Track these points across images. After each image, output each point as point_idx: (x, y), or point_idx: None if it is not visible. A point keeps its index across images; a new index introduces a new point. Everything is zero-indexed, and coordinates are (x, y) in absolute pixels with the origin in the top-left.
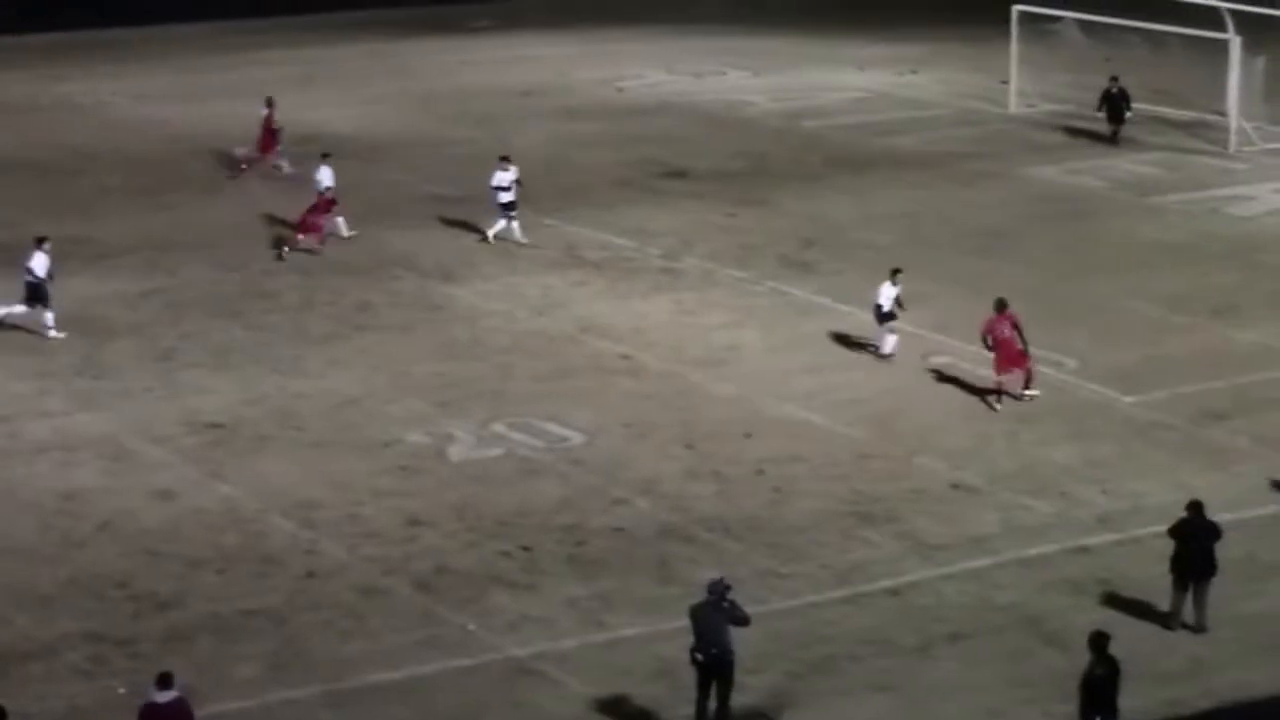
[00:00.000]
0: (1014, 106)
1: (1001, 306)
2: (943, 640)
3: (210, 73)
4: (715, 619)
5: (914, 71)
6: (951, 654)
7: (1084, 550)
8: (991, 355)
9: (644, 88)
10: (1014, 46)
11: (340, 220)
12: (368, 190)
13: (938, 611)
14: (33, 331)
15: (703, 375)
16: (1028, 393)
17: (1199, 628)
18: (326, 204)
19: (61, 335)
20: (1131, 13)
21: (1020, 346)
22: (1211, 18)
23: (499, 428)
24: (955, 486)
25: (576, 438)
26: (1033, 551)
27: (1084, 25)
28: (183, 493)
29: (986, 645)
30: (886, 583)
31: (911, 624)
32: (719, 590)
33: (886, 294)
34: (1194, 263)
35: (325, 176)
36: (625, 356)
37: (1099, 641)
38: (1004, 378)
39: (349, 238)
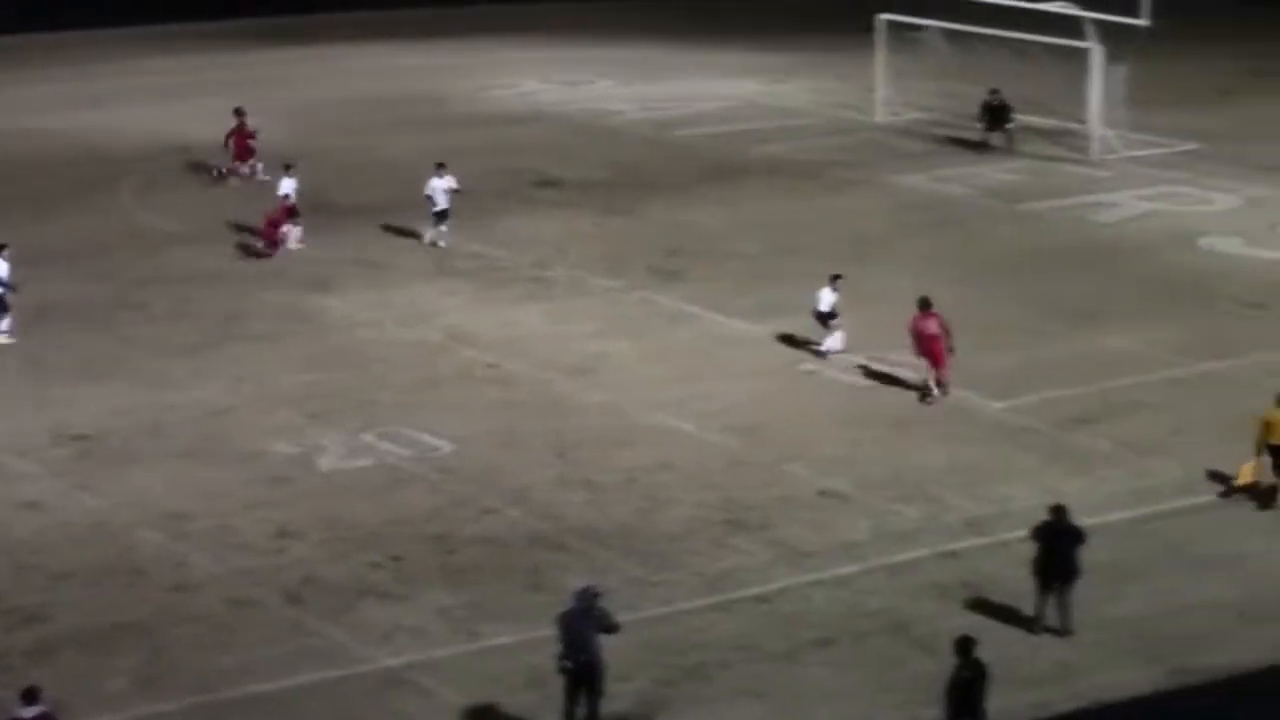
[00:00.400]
0: (881, 115)
1: (925, 305)
2: (812, 646)
3: (77, 82)
4: (584, 627)
5: (781, 81)
6: (821, 660)
7: (952, 555)
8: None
9: (515, 97)
10: (880, 55)
11: (296, 230)
12: (236, 200)
13: (807, 618)
14: None
15: (573, 384)
16: (935, 393)
17: (1064, 631)
18: (286, 211)
19: (12, 341)
20: (995, 21)
21: (946, 346)
22: (1073, 26)
23: (369, 438)
24: (824, 493)
25: (446, 447)
26: (901, 557)
27: (948, 34)
28: (50, 505)
29: (855, 651)
30: (756, 589)
31: (781, 630)
32: (587, 598)
33: (826, 299)
34: (1059, 269)
35: (286, 186)
36: (494, 365)
37: (965, 645)
38: (942, 372)
39: (297, 249)
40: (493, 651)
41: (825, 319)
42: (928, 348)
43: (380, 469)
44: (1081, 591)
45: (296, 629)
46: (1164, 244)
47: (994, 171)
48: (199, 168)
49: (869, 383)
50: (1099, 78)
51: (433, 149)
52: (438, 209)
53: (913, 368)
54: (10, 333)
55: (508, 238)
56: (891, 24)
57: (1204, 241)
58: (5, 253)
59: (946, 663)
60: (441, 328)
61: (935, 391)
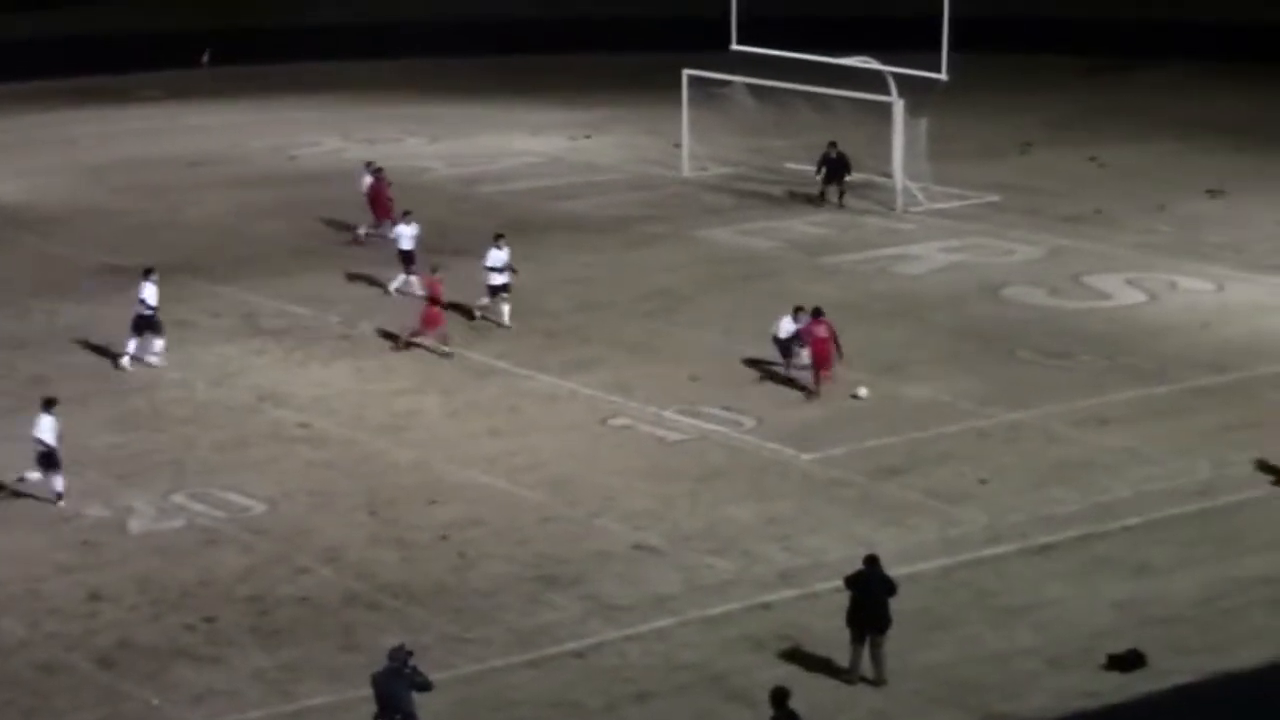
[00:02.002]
0: (687, 170)
1: (818, 313)
2: (629, 700)
3: None
4: (397, 686)
5: (588, 136)
6: (638, 714)
7: (766, 607)
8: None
9: (319, 155)
10: (685, 110)
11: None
12: (39, 262)
13: (623, 672)
14: None
15: (384, 442)
16: (813, 390)
17: (878, 680)
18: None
19: (164, 364)
20: (799, 76)
21: (835, 350)
22: (875, 81)
23: (180, 499)
24: (637, 547)
25: (258, 507)
26: (715, 610)
27: (753, 89)
28: None
29: (672, 704)
30: (571, 645)
31: (597, 685)
32: (400, 657)
33: (785, 328)
34: (864, 321)
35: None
36: (305, 425)
37: (779, 697)
38: (825, 374)
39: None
40: (308, 713)
41: (785, 346)
42: (816, 350)
43: (192, 530)
44: (894, 641)
45: (109, 693)
46: (968, 295)
47: (799, 225)
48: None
49: (679, 436)
50: (901, 131)
51: (236, 207)
52: (494, 283)
53: (724, 421)
54: (162, 355)
55: (314, 296)
56: (697, 80)
57: (1007, 292)
58: (153, 276)
59: (763, 714)
60: (251, 387)
61: (814, 391)
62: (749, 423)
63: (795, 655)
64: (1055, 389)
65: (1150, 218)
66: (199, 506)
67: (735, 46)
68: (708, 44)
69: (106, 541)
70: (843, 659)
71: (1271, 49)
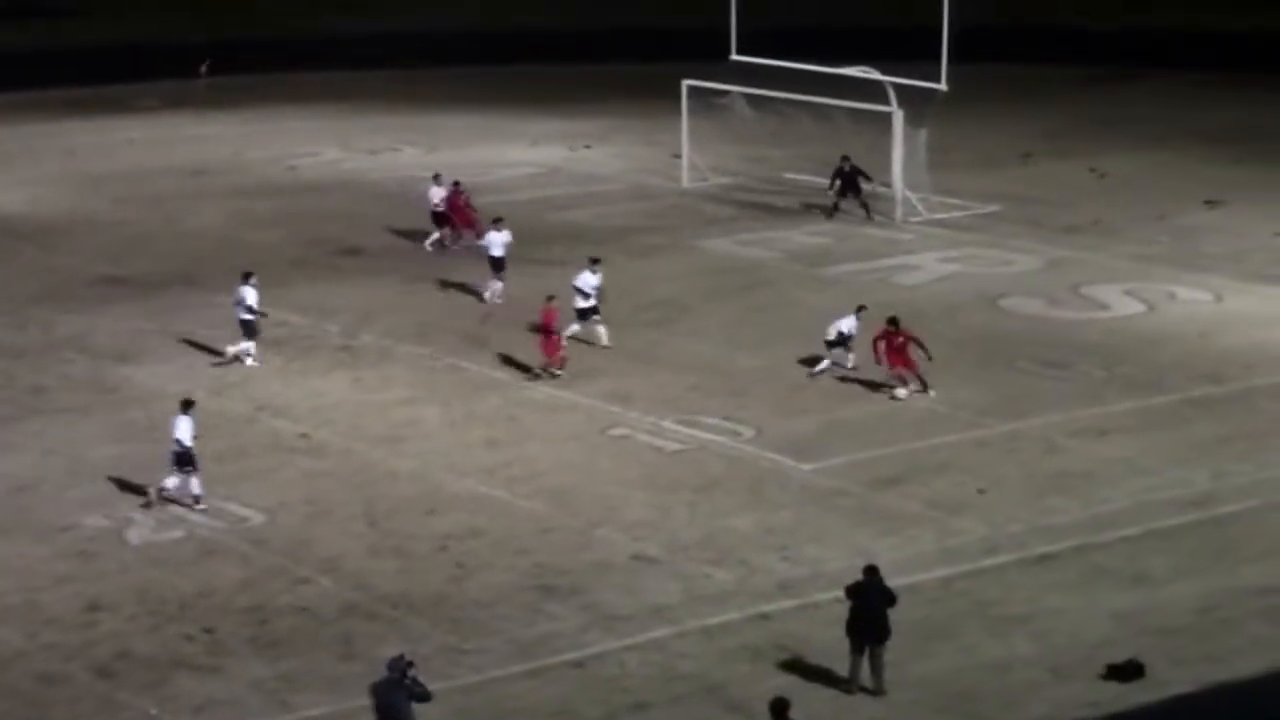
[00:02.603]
0: (686, 180)
1: (893, 323)
2: (627, 711)
3: None
4: (397, 696)
5: (588, 146)
6: None
7: (764, 617)
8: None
9: (318, 165)
10: (685, 121)
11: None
12: (38, 272)
13: (622, 682)
14: None
15: (383, 452)
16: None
17: (877, 690)
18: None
19: (259, 364)
20: (798, 86)
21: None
22: (875, 91)
23: (178, 509)
24: (636, 557)
25: (257, 518)
26: (714, 620)
27: (752, 99)
28: None
29: (671, 714)
30: (570, 655)
31: (596, 695)
32: (399, 667)
33: (848, 324)
34: (862, 331)
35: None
36: (304, 435)
37: (779, 707)
38: (899, 372)
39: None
40: None
41: (842, 342)
42: (893, 359)
43: (191, 541)
44: (893, 651)
45: (108, 704)
46: (967, 305)
47: (798, 235)
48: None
49: (678, 446)
50: (900, 141)
51: (235, 217)
52: (581, 307)
53: (716, 430)
54: (258, 358)
55: (313, 306)
56: (696, 90)
57: (1006, 303)
58: (253, 280)
59: None
60: (249, 397)
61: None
62: (748, 433)
63: (794, 665)
64: (1054, 399)
65: (1149, 228)
66: (198, 517)
67: (735, 57)
68: (707, 54)
69: (105, 552)
70: (842, 669)
71: (1270, 59)
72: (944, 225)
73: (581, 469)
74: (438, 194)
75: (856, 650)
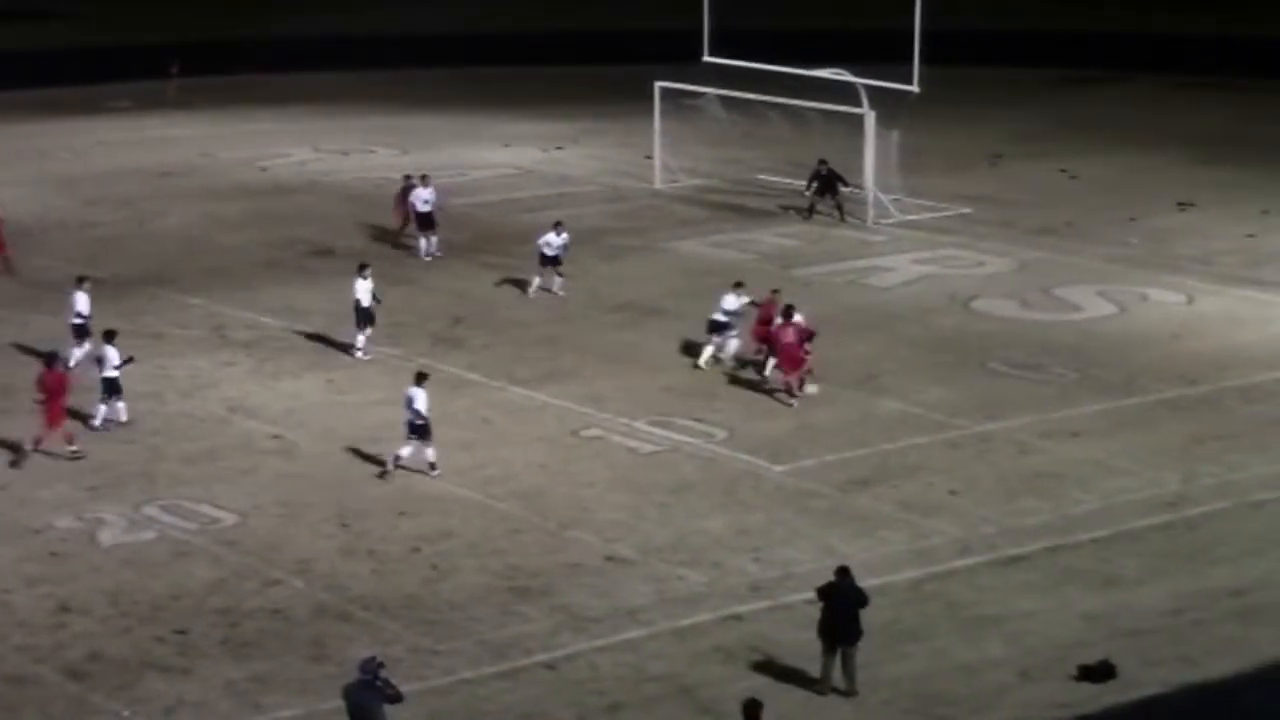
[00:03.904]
0: (659, 182)
1: (789, 313)
2: (599, 712)
3: None
4: (368, 698)
5: (560, 148)
6: None
7: (736, 618)
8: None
9: (289, 167)
10: (658, 122)
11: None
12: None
13: (594, 684)
14: None
15: (356, 454)
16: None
17: (849, 692)
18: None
19: (368, 356)
20: (771, 88)
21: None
22: (847, 93)
23: (151, 511)
24: (609, 559)
25: (229, 519)
26: (686, 621)
27: (725, 101)
28: None
29: (643, 716)
30: (542, 656)
31: (568, 697)
32: (371, 669)
33: (730, 302)
34: (836, 333)
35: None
36: (276, 436)
37: (751, 709)
38: (790, 378)
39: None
40: None
41: (721, 327)
42: (784, 353)
43: (163, 542)
44: (865, 652)
45: (79, 706)
46: (939, 307)
47: (770, 237)
48: None
49: (651, 447)
50: (873, 143)
51: (206, 219)
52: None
53: (693, 432)
54: (366, 349)
55: (285, 308)
56: (669, 92)
57: (978, 304)
58: (366, 271)
59: None
60: (222, 399)
61: (796, 393)
62: (720, 434)
63: (766, 667)
64: (1026, 401)
65: (1121, 230)
66: (170, 518)
67: (707, 58)
68: (680, 56)
69: (76, 553)
70: (814, 670)
71: (1240, 62)
72: (916, 227)
73: (554, 470)
74: (424, 195)
75: (828, 651)
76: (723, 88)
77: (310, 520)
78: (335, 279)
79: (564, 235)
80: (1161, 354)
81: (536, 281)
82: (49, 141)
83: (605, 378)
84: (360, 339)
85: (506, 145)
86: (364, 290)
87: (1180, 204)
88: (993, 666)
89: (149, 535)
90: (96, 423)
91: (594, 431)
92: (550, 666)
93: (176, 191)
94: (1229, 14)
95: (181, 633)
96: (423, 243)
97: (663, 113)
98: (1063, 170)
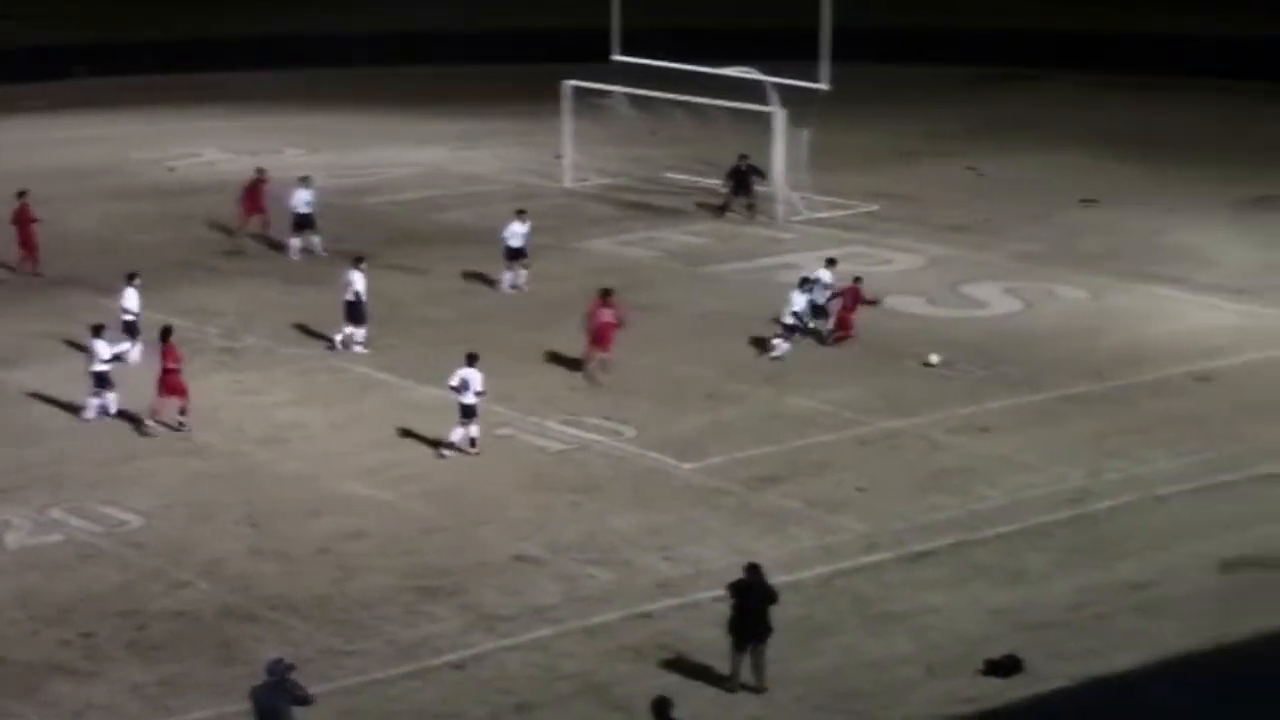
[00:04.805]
0: (569, 180)
1: (607, 294)
2: (510, 711)
3: None
4: (277, 700)
5: (470, 147)
6: None
7: (646, 616)
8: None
9: (199, 166)
10: (567, 121)
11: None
12: None
13: (504, 683)
14: None
15: (266, 454)
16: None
17: (759, 689)
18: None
19: (367, 350)
20: (680, 87)
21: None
22: (757, 91)
23: (57, 513)
24: (518, 558)
25: (136, 521)
26: (596, 620)
27: (634, 100)
28: None
29: (554, 715)
30: (452, 656)
31: (478, 696)
32: (279, 671)
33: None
34: (746, 331)
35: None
36: (186, 437)
37: (661, 706)
38: (597, 356)
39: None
40: None
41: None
42: (598, 332)
43: (69, 545)
44: (775, 649)
45: None
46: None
47: (679, 235)
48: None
49: (560, 446)
50: (782, 141)
51: (116, 219)
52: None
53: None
54: (365, 344)
55: (195, 308)
56: (578, 90)
57: (887, 301)
58: (362, 265)
59: None
60: (131, 400)
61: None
62: (630, 432)
63: (676, 664)
64: (934, 397)
65: (1028, 227)
66: (77, 521)
67: (616, 57)
68: (589, 55)
69: None
70: (724, 667)
71: (1148, 60)
72: (826, 224)
73: (464, 469)
74: (305, 197)
75: (738, 648)
76: (632, 86)
77: (220, 521)
78: (245, 279)
79: (528, 224)
80: (1068, 350)
81: (507, 276)
82: None
83: (515, 376)
84: (358, 334)
85: (417, 144)
86: (360, 283)
87: (1085, 200)
88: (901, 662)
89: (55, 538)
90: (89, 414)
91: (505, 430)
92: (460, 666)
93: (87, 191)
94: (1137, 12)
95: (89, 636)
96: (295, 242)
97: (572, 112)
98: (970, 167)
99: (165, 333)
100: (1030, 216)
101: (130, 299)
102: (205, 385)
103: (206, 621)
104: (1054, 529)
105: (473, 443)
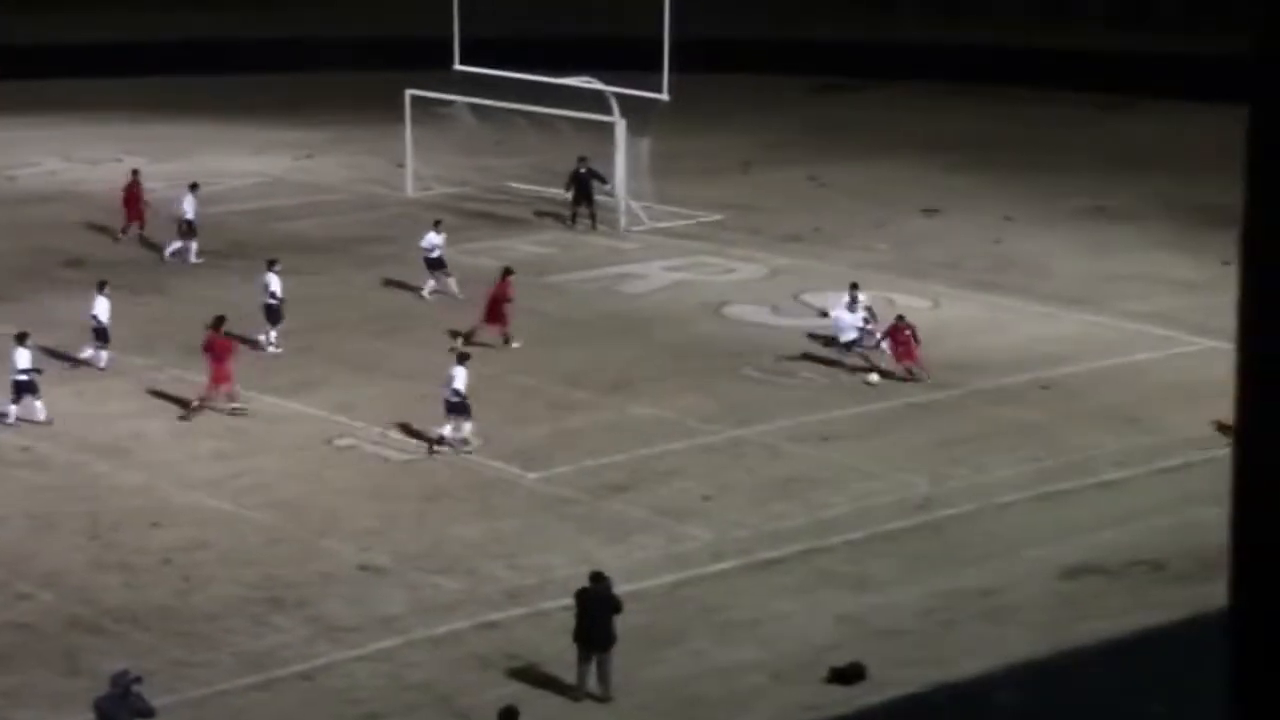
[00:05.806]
0: (411, 190)
1: (218, 323)
2: None
3: None
4: (120, 712)
5: (310, 156)
6: None
7: (492, 626)
8: None
9: (39, 175)
10: (409, 130)
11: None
12: None
13: (351, 694)
14: None
15: (108, 465)
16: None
17: (604, 697)
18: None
19: (280, 350)
20: (523, 96)
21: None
22: (599, 101)
23: None
24: (363, 568)
25: None
26: (442, 629)
27: (476, 109)
28: None
29: None
30: (299, 667)
31: (325, 707)
32: (124, 683)
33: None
34: (590, 340)
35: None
36: (27, 448)
37: (508, 715)
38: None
39: None
40: None
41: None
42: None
43: None
44: (620, 657)
45: None
46: (691, 314)
47: (523, 244)
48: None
49: (404, 455)
50: (623, 151)
51: None
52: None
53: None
54: (278, 344)
55: (36, 319)
56: (420, 99)
57: (729, 310)
58: (276, 267)
59: None
60: None
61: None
62: (475, 442)
63: (523, 673)
64: (778, 405)
65: (868, 236)
66: None
67: (458, 66)
68: (430, 64)
69: None
70: (570, 676)
71: (988, 70)
72: (668, 234)
73: (308, 480)
74: (191, 204)
75: (583, 657)
76: (474, 95)
77: (61, 532)
78: (87, 289)
79: (443, 234)
80: None
81: (431, 284)
82: None
83: (359, 386)
84: (272, 334)
85: (257, 153)
86: (276, 284)
87: (926, 210)
88: (747, 669)
89: None
90: (10, 419)
91: (348, 440)
92: (307, 677)
93: None
94: (976, 23)
95: None
96: (176, 244)
97: (414, 120)
98: (811, 177)
99: (218, 321)
100: (869, 225)
101: (100, 306)
102: (47, 397)
103: (49, 633)
104: (899, 536)
105: (465, 442)
